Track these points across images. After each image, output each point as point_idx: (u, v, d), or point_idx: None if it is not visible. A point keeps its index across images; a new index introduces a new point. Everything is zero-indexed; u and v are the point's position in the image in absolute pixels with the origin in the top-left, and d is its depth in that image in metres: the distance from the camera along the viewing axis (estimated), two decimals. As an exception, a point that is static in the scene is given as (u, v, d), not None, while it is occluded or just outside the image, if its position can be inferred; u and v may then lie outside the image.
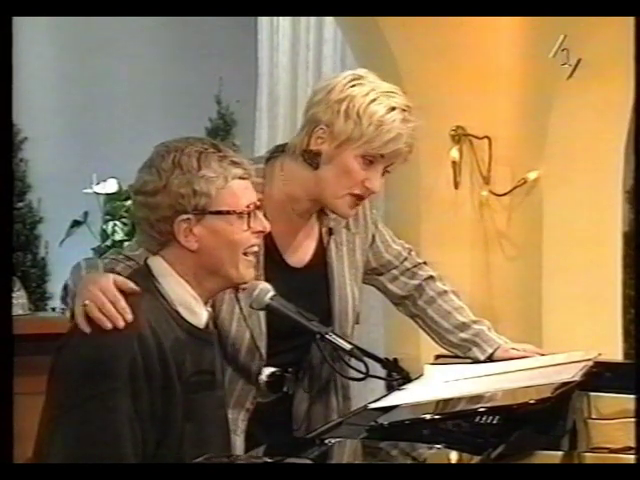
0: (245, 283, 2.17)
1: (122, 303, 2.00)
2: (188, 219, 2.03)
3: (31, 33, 4.64)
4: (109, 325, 1.97)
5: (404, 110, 2.35)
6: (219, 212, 2.04)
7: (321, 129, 2.35)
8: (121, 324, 1.97)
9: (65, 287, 2.27)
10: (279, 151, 2.47)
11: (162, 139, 2.12)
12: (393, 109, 2.33)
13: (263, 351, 2.39)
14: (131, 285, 2.03)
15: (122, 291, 2.02)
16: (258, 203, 2.11)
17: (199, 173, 2.02)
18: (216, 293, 2.18)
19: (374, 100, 2.33)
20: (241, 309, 2.37)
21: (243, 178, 2.08)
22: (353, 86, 2.35)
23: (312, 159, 2.37)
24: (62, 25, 4.84)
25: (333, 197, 2.39)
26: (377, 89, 2.35)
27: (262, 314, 2.37)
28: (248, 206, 2.07)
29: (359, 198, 2.40)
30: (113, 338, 1.97)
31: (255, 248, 2.12)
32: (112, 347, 1.97)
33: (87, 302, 2.00)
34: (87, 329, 1.99)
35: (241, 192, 2.07)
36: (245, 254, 2.09)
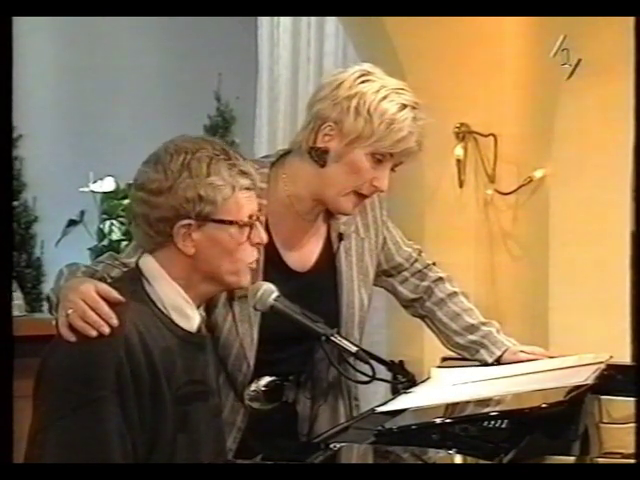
0: (241, 288, 2.15)
1: (105, 309, 1.94)
2: (189, 224, 1.99)
3: (27, 30, 4.58)
4: (93, 333, 1.92)
5: (414, 108, 2.31)
6: (222, 221, 2.01)
7: (329, 126, 2.31)
8: (105, 330, 1.92)
9: (48, 298, 2.20)
10: (283, 156, 2.43)
11: (160, 136, 2.07)
12: (404, 107, 2.30)
13: (251, 362, 2.35)
14: (114, 294, 1.98)
15: (106, 299, 1.96)
16: (259, 214, 2.07)
17: (207, 179, 1.99)
18: (209, 296, 2.15)
19: (385, 97, 2.29)
20: (234, 316, 2.34)
21: (249, 189, 2.04)
22: (363, 82, 2.31)
23: (319, 157, 2.33)
24: (58, 22, 4.79)
25: (338, 194, 2.34)
26: (387, 86, 2.31)
27: (255, 323, 2.34)
28: (250, 217, 2.04)
29: (363, 197, 2.37)
30: (98, 345, 1.92)
31: (254, 260, 2.09)
32: (98, 354, 1.92)
33: (69, 312, 1.95)
34: (72, 338, 1.94)
35: (245, 203, 2.04)
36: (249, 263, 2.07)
